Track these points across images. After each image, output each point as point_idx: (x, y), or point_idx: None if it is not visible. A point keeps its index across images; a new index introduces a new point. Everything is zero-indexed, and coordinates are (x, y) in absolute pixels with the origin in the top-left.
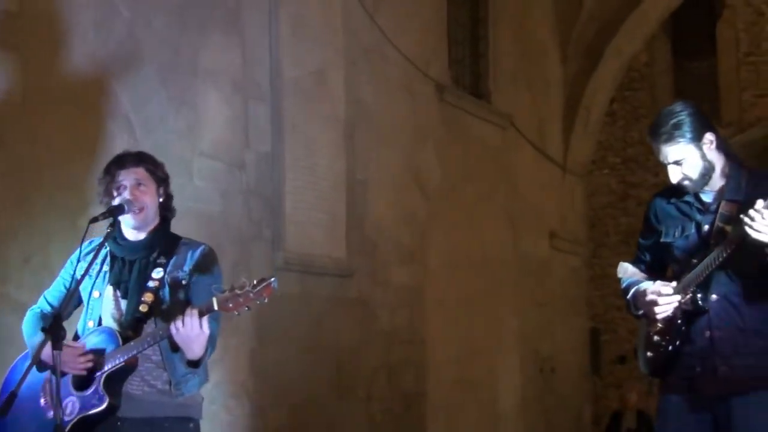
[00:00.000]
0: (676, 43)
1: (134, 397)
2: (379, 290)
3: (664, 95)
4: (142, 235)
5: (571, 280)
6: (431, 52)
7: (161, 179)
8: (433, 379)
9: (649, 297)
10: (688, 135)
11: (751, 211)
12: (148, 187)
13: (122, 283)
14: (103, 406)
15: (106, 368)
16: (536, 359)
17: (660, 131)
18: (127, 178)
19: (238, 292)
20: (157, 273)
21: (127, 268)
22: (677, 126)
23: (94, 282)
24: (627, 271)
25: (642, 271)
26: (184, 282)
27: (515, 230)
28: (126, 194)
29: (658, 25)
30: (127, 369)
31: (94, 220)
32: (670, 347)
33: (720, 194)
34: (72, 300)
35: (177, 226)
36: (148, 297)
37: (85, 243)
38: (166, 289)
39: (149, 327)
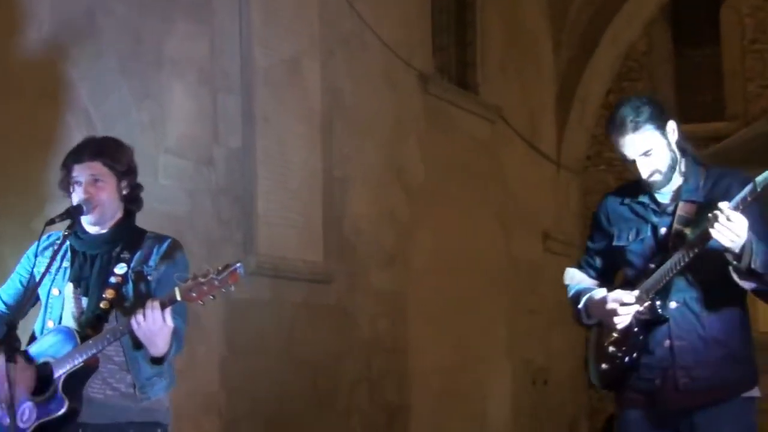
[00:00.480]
0: (676, 29)
1: (96, 401)
2: (359, 296)
3: (664, 85)
4: (104, 229)
5: (564, 285)
6: (414, 40)
7: (122, 173)
8: (418, 391)
9: (610, 305)
10: (655, 122)
11: (715, 214)
12: (106, 183)
13: (83, 280)
14: (62, 411)
15: (64, 370)
16: (528, 370)
17: (625, 120)
18: (82, 173)
19: (202, 280)
20: (120, 268)
21: (89, 264)
22: (641, 113)
23: (54, 279)
24: (574, 277)
25: (591, 276)
26: (149, 277)
27: (505, 231)
28: (80, 192)
29: (657, 11)
30: (88, 370)
31: (51, 222)
32: (627, 359)
33: (677, 194)
34: (30, 299)
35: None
36: (109, 293)
37: (44, 237)
38: (130, 285)
39: (111, 325)
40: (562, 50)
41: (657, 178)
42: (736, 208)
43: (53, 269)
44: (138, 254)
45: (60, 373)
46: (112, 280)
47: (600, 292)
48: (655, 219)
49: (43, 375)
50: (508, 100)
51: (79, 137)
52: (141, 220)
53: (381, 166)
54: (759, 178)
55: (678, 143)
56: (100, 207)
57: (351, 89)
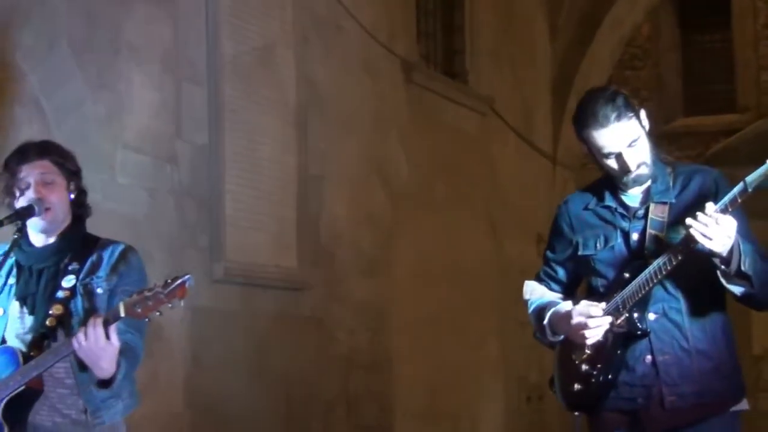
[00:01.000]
0: (683, 13)
1: (43, 429)
2: (337, 307)
3: (670, 74)
4: (51, 239)
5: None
6: (396, 25)
7: (71, 173)
8: (401, 412)
9: (576, 320)
10: (632, 109)
11: (701, 216)
12: (57, 183)
13: (29, 296)
14: None
15: (5, 394)
16: (522, 387)
17: (606, 110)
18: (31, 173)
19: (147, 294)
20: (68, 281)
21: (35, 279)
22: (618, 101)
23: None
24: (534, 291)
25: (552, 289)
26: (99, 290)
27: (497, 235)
28: (31, 193)
29: None
30: (32, 394)
31: None
32: (602, 378)
33: (646, 196)
34: None
35: (95, 232)
36: (56, 309)
37: None
38: (78, 299)
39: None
40: (559, 36)
41: (644, 171)
42: (724, 211)
43: None
44: (88, 264)
45: (0, 397)
46: (60, 294)
47: (565, 306)
48: (624, 224)
49: None
50: (499, 91)
51: (28, 132)
52: (95, 224)
53: (360, 163)
54: (749, 178)
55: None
56: (52, 210)
57: (327, 79)
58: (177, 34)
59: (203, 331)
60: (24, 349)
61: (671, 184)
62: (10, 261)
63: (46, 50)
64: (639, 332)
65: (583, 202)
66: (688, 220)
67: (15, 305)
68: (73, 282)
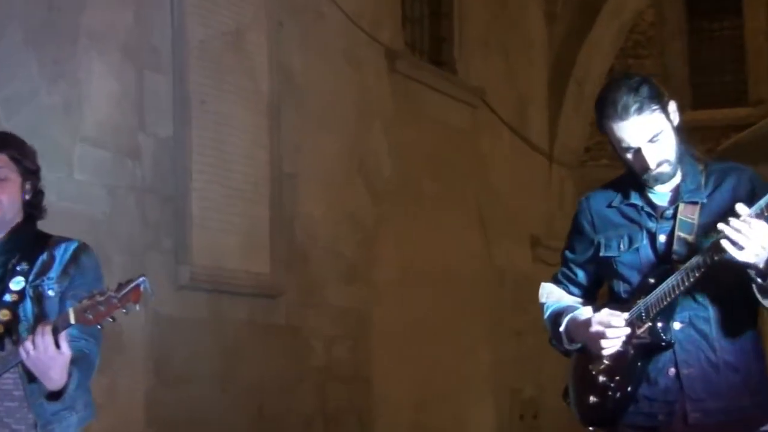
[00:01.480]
0: None
1: None
2: (313, 315)
3: (676, 64)
4: None
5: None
6: (380, 10)
7: (29, 171)
8: (383, 428)
9: (595, 328)
10: (658, 101)
11: (734, 221)
12: (10, 180)
13: None
14: None
15: None
16: (515, 402)
17: (627, 101)
18: None
19: (99, 299)
20: (17, 283)
21: None
22: (642, 92)
23: None
24: (551, 294)
25: (570, 293)
26: (50, 292)
27: (488, 237)
28: None
29: None
30: None
31: None
32: (621, 392)
33: (675, 195)
34: None
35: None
36: (3, 315)
37: None
38: (28, 302)
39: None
40: (556, 22)
41: (665, 169)
42: (759, 215)
43: None
44: (38, 264)
45: None
46: (7, 298)
47: (585, 312)
48: (651, 224)
49: None
50: (491, 81)
51: None
52: (49, 225)
53: (340, 159)
54: None
55: (677, 129)
56: (1, 209)
57: (304, 67)
58: (139, 19)
59: (167, 342)
60: None
61: (703, 182)
62: None
63: None
64: (663, 343)
65: (606, 198)
66: (720, 225)
67: None
68: (22, 284)
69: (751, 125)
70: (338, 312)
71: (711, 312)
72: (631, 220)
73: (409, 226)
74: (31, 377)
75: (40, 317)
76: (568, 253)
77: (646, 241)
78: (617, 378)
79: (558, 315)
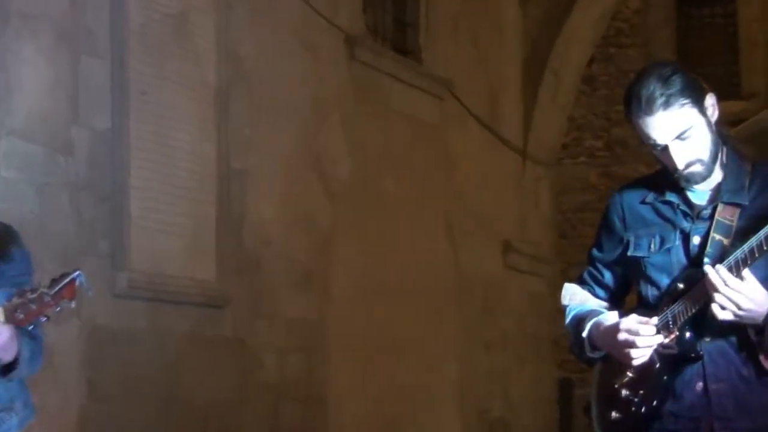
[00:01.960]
0: None
1: None
2: (264, 326)
3: (662, 54)
4: None
5: (532, 311)
6: None
7: None
8: None
9: (623, 336)
10: (691, 94)
11: (720, 273)
12: None
13: None
14: None
15: None
16: (484, 421)
17: (653, 94)
18: None
19: (30, 296)
20: None
21: None
22: (672, 83)
23: None
24: (575, 296)
25: (596, 295)
26: None
27: (455, 241)
28: None
29: None
30: None
31: None
32: (645, 407)
33: (715, 194)
34: None
35: None
36: None
37: None
38: None
39: None
40: (531, 6)
41: (697, 169)
42: (738, 266)
43: None
44: None
45: None
46: None
47: (610, 317)
48: (686, 224)
49: None
50: (460, 71)
51: None
52: None
53: (294, 155)
54: None
55: (718, 124)
56: None
57: (255, 54)
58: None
59: (102, 354)
60: None
61: (747, 184)
62: None
63: None
64: (692, 354)
65: (641, 193)
66: (707, 268)
67: None
68: None
69: (745, 120)
70: (291, 323)
71: (749, 329)
72: (666, 219)
73: (370, 228)
74: None
75: None
76: (595, 251)
77: (678, 242)
78: (641, 392)
79: (581, 320)
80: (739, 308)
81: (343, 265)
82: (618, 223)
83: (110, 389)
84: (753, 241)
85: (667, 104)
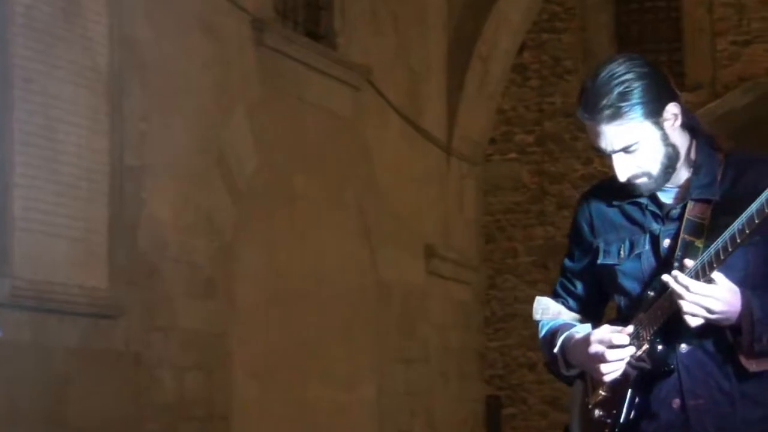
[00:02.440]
0: None
1: None
2: (160, 339)
3: (600, 41)
4: None
5: (456, 322)
6: None
7: None
8: None
9: (594, 349)
10: (643, 107)
11: (679, 280)
12: None
13: None
14: None
15: None
16: None
17: (599, 103)
18: None
19: None
20: None
21: None
22: (625, 94)
23: None
24: (548, 310)
25: (570, 308)
26: None
27: (373, 246)
28: None
29: None
30: None
31: None
32: (617, 428)
33: (685, 191)
34: None
35: None
36: None
37: None
38: None
39: None
40: None
41: (643, 181)
42: (705, 269)
43: None
44: None
45: None
46: None
47: (581, 330)
48: (656, 226)
49: None
50: (378, 58)
51: None
52: None
53: (194, 150)
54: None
55: (686, 124)
56: None
57: (152, 39)
58: None
59: None
60: None
61: (719, 176)
62: None
63: None
64: (665, 368)
65: (609, 195)
66: (668, 279)
67: None
68: None
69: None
70: (191, 336)
71: (726, 331)
72: (634, 222)
73: (278, 231)
74: None
75: None
76: (566, 261)
77: (648, 246)
78: (614, 411)
79: (552, 334)
80: (711, 312)
81: (249, 271)
82: (586, 229)
83: None
84: (719, 242)
85: (614, 117)
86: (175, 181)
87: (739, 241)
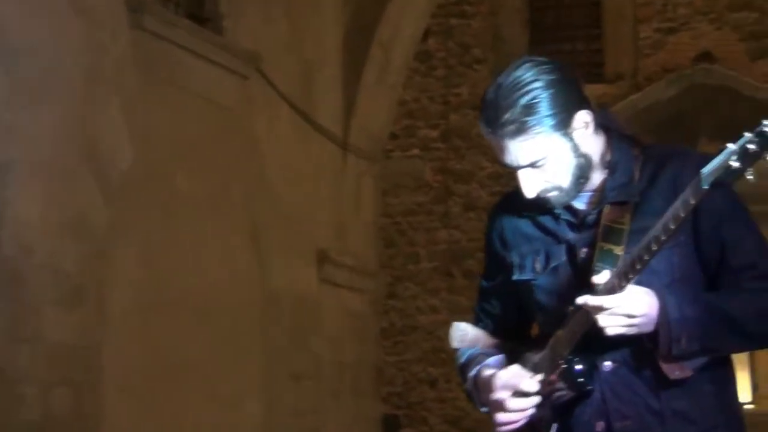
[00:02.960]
0: None
1: None
2: (24, 352)
3: (512, 27)
4: None
5: (351, 335)
6: None
7: None
8: None
9: (495, 396)
10: (551, 119)
11: (589, 304)
12: None
13: None
14: None
15: None
16: None
17: (502, 117)
18: None
19: None
20: None
21: None
22: (531, 107)
23: None
24: (465, 336)
25: (493, 333)
26: None
27: (260, 250)
28: None
29: None
30: None
31: None
32: None
33: (600, 194)
34: None
35: None
36: None
37: None
38: None
39: None
40: None
41: (554, 195)
42: (621, 281)
43: None
44: None
45: None
46: None
47: (493, 365)
48: (571, 235)
49: None
50: (268, 44)
51: None
52: None
53: (63, 143)
54: (706, 169)
55: (598, 124)
56: None
57: (16, 21)
58: None
59: None
60: None
61: (637, 174)
62: None
63: None
64: (581, 389)
65: (520, 206)
66: (579, 300)
67: None
68: None
69: (606, 106)
70: (58, 349)
71: (644, 338)
72: (548, 232)
73: (156, 234)
74: None
75: None
76: (483, 282)
77: (565, 257)
78: None
79: (467, 365)
80: (632, 316)
81: (123, 278)
82: (498, 244)
83: None
84: (635, 251)
85: (518, 132)
86: (42, 177)
87: (655, 248)
